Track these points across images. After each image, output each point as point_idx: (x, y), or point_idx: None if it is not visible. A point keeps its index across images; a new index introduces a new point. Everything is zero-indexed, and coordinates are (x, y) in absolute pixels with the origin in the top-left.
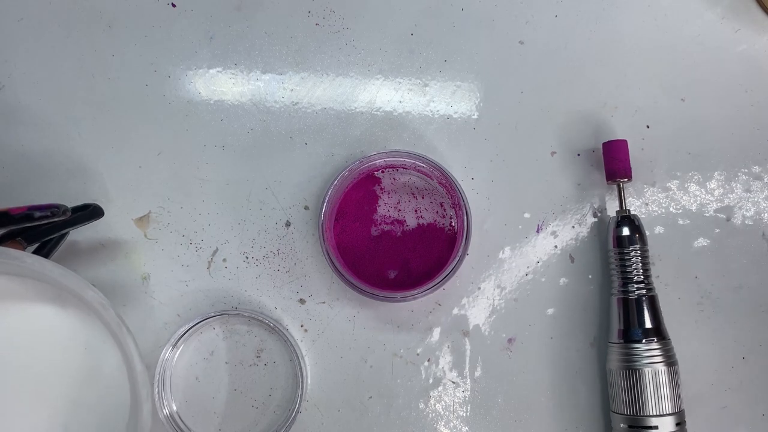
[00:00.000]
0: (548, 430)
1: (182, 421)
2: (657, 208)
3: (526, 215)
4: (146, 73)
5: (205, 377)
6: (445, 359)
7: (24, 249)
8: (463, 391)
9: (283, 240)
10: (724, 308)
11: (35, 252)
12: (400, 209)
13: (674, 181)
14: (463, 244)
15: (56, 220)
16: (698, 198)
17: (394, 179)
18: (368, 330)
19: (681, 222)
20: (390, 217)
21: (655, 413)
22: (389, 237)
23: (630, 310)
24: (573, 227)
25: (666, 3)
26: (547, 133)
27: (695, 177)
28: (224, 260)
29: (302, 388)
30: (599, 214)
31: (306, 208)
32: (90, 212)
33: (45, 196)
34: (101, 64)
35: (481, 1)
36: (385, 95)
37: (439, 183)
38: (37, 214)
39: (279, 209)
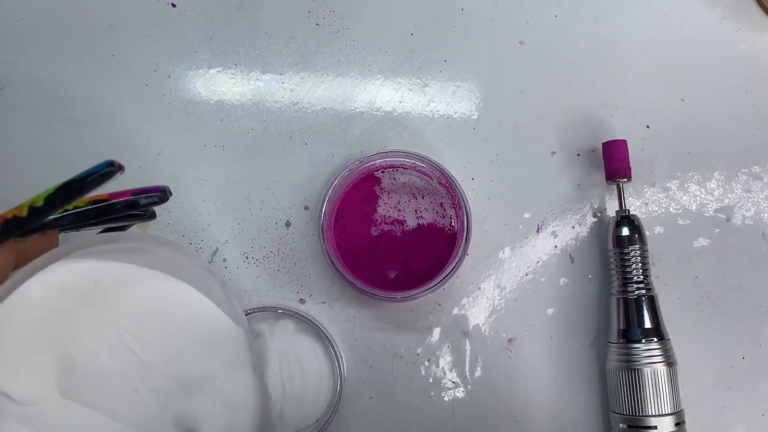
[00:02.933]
0: (548, 430)
1: None
2: (657, 208)
3: (526, 215)
4: (146, 73)
5: None
6: (445, 359)
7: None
8: (463, 391)
9: (283, 240)
10: (724, 308)
11: None
12: (400, 209)
13: (674, 181)
14: (463, 244)
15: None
16: (698, 198)
17: (394, 179)
18: (368, 330)
19: (681, 222)
20: (390, 217)
21: (654, 413)
22: (389, 237)
23: (630, 310)
24: (573, 227)
25: (666, 3)
26: (547, 133)
27: (695, 177)
28: (224, 260)
29: (340, 388)
30: (599, 214)
31: (306, 208)
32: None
33: None
34: (101, 64)
35: (481, 1)
36: (385, 95)
37: (439, 183)
38: (144, 200)
39: (279, 209)
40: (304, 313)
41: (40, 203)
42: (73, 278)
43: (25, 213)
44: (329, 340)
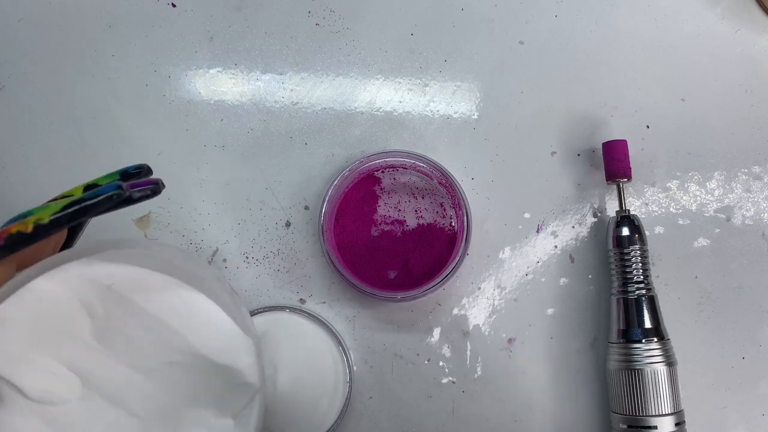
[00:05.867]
0: (548, 430)
1: None
2: (657, 208)
3: (526, 215)
4: (146, 73)
5: None
6: (445, 359)
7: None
8: (463, 391)
9: (283, 240)
10: (724, 308)
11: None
12: (400, 209)
13: (674, 181)
14: (463, 244)
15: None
16: (698, 198)
17: (394, 179)
18: (368, 330)
19: (681, 222)
20: (390, 217)
21: (654, 413)
22: (389, 237)
23: (630, 310)
24: (573, 227)
25: (666, 3)
26: (547, 133)
27: (695, 177)
28: (224, 260)
29: (350, 385)
30: (599, 214)
31: (306, 208)
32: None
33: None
34: (101, 64)
35: (481, 1)
36: (385, 95)
37: (439, 183)
38: (137, 194)
39: (279, 209)
40: (316, 314)
41: (46, 221)
42: (86, 280)
43: (30, 230)
44: (343, 347)
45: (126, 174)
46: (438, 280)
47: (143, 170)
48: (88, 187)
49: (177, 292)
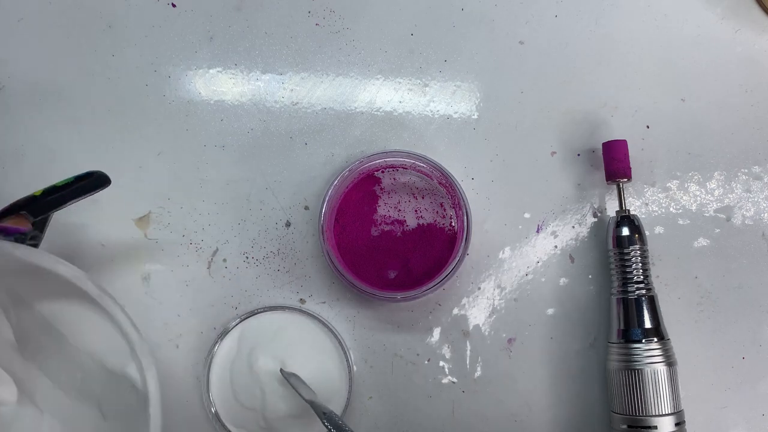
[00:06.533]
0: (548, 430)
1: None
2: (657, 208)
3: (526, 215)
4: (146, 73)
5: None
6: (445, 359)
7: (30, 223)
8: (463, 391)
9: (283, 240)
10: (724, 308)
11: (35, 226)
12: (400, 209)
13: (674, 181)
14: (463, 244)
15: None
16: (698, 198)
17: (394, 179)
18: (368, 330)
19: (681, 222)
20: (390, 217)
21: (654, 413)
22: (389, 237)
23: (630, 310)
24: (573, 227)
25: (666, 3)
26: (547, 133)
27: (695, 177)
28: (224, 260)
29: (350, 385)
30: (599, 214)
31: (306, 208)
32: (95, 180)
33: None
34: (101, 64)
35: (481, 1)
36: (385, 95)
37: (439, 183)
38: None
39: (279, 209)
40: (316, 314)
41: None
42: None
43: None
44: (343, 347)
45: (79, 178)
46: (438, 280)
47: (94, 176)
48: (46, 192)
49: (73, 304)
